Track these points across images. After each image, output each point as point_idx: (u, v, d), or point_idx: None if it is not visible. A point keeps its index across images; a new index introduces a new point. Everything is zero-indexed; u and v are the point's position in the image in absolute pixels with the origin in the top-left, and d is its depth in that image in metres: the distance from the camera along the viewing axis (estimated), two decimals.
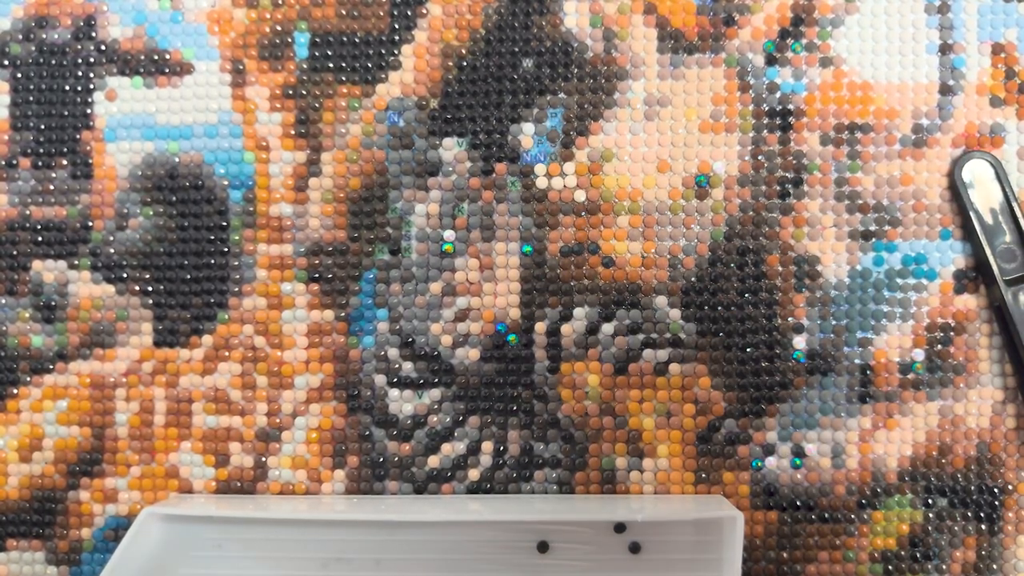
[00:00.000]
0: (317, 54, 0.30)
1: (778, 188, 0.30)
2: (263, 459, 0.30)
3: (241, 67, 0.30)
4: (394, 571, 0.28)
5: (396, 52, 0.30)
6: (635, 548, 0.28)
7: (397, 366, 0.30)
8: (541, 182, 0.30)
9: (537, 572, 0.28)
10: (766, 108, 0.30)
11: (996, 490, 0.30)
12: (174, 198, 0.30)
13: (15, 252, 0.30)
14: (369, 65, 0.30)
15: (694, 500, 0.29)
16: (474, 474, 0.30)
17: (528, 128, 0.30)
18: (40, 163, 0.30)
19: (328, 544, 0.28)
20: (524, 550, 0.28)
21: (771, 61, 0.30)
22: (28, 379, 0.30)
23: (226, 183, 0.30)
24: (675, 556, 0.28)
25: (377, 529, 0.28)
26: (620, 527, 0.28)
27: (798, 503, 0.30)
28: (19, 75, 0.30)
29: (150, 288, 0.30)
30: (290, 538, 0.28)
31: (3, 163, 0.30)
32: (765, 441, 0.30)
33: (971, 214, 0.29)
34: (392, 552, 0.28)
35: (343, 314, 0.30)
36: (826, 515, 0.30)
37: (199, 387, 0.30)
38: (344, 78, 0.30)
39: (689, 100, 0.30)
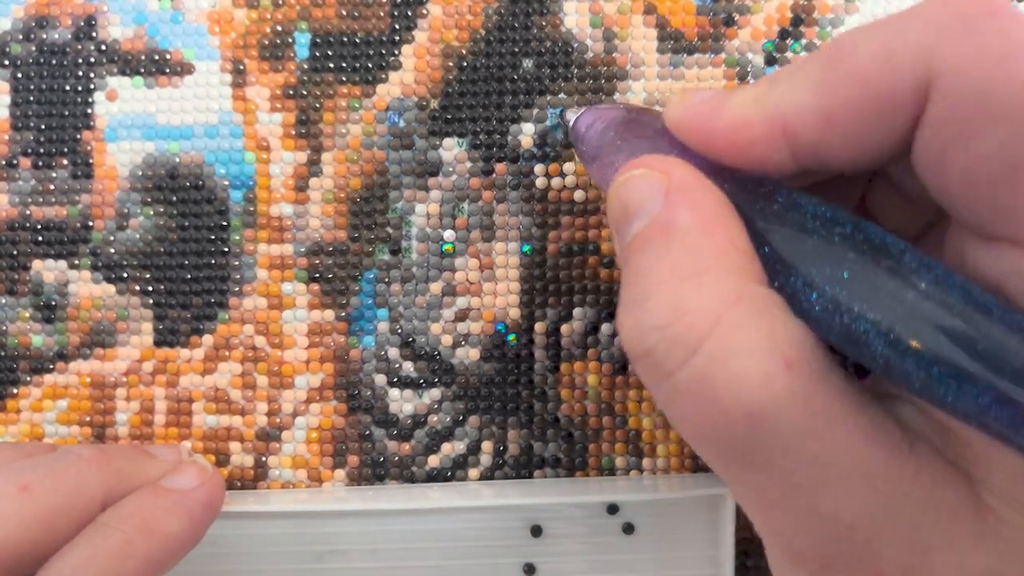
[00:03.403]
0: (317, 54, 0.30)
1: None
2: (263, 459, 0.30)
3: (241, 67, 0.30)
4: (389, 560, 0.28)
5: (396, 52, 0.30)
6: (628, 529, 0.28)
7: (397, 366, 0.30)
8: (541, 182, 0.30)
9: (532, 556, 0.28)
10: None
11: None
12: (174, 198, 0.30)
13: (15, 252, 0.30)
14: (369, 65, 0.30)
15: (686, 479, 0.29)
16: (474, 473, 0.30)
17: (528, 128, 0.30)
18: (40, 163, 0.30)
19: (323, 536, 0.28)
20: (518, 535, 0.28)
21: (771, 61, 0.30)
22: (28, 379, 0.30)
23: (227, 183, 0.30)
24: (669, 536, 0.28)
25: (372, 519, 0.28)
26: (613, 508, 0.28)
27: None
28: (19, 75, 0.30)
29: (150, 288, 0.30)
30: (285, 532, 0.28)
31: (3, 163, 0.30)
32: None
33: None
34: (387, 542, 0.28)
35: (343, 314, 0.30)
36: None
37: (199, 387, 0.30)
38: (344, 78, 0.30)
39: None
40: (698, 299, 0.17)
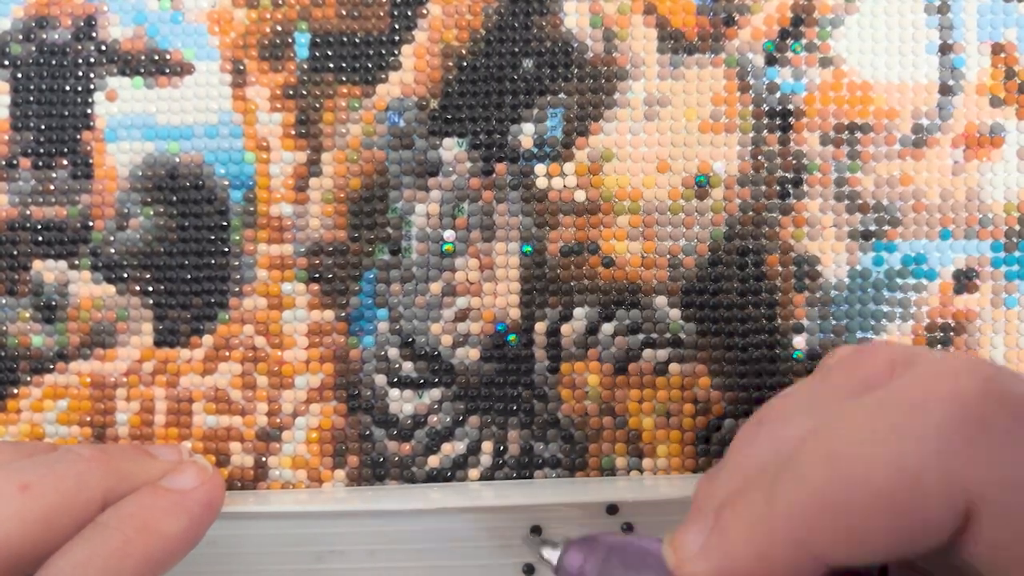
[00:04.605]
0: (317, 54, 0.30)
1: (778, 188, 0.30)
2: (263, 459, 0.30)
3: (241, 67, 0.30)
4: (389, 561, 0.28)
5: (396, 52, 0.30)
6: (628, 529, 0.28)
7: (397, 366, 0.30)
8: (541, 182, 0.30)
9: (531, 557, 0.28)
10: (766, 108, 0.30)
11: None
12: (174, 198, 0.30)
13: (15, 252, 0.30)
14: (369, 65, 0.30)
15: (686, 480, 0.29)
16: (474, 474, 0.30)
17: (528, 128, 0.30)
18: (40, 163, 0.30)
19: (323, 537, 0.28)
20: (517, 535, 0.28)
21: (771, 61, 0.30)
22: (28, 379, 0.30)
23: (226, 183, 0.30)
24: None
25: (371, 520, 0.28)
26: (613, 509, 0.28)
27: None
28: (19, 75, 0.30)
29: (150, 288, 0.30)
30: (285, 532, 0.28)
31: (3, 163, 0.30)
32: None
33: None
34: (387, 542, 0.28)
35: (343, 314, 0.30)
36: None
37: (199, 387, 0.30)
38: (344, 78, 0.30)
39: (689, 100, 0.30)
40: None
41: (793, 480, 0.17)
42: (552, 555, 0.22)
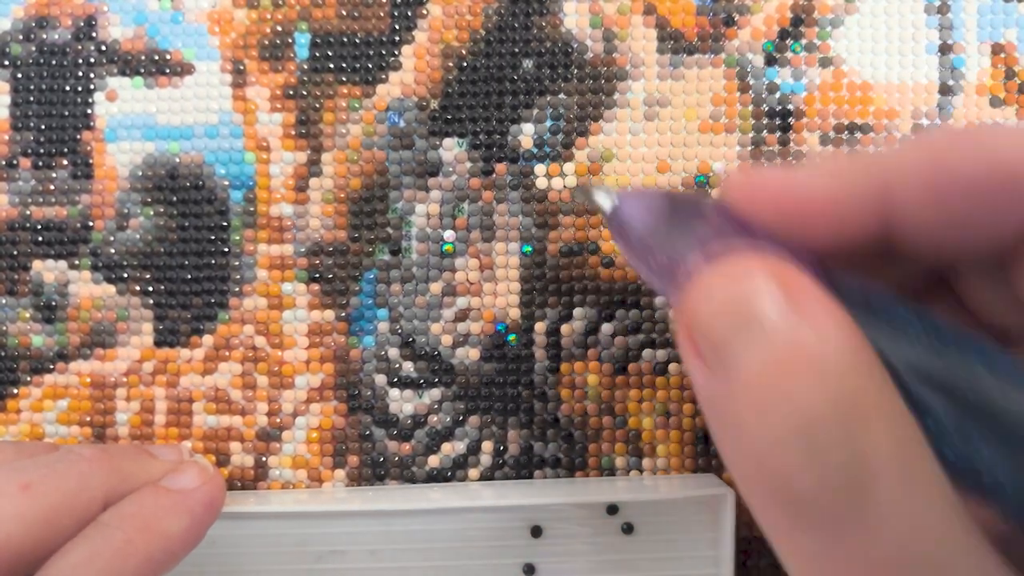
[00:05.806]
0: (318, 55, 0.30)
1: None
2: (263, 459, 0.30)
3: (241, 67, 0.30)
4: (389, 561, 0.28)
5: (396, 53, 0.30)
6: (628, 529, 0.28)
7: (397, 366, 0.30)
8: (541, 182, 0.30)
9: (532, 556, 0.28)
10: (766, 108, 0.30)
11: None
12: (175, 198, 0.30)
13: (15, 252, 0.30)
14: (369, 66, 0.30)
15: (686, 480, 0.29)
16: (474, 473, 0.30)
17: (528, 128, 0.30)
18: (40, 163, 0.30)
19: (323, 536, 0.28)
20: (517, 535, 0.28)
21: (771, 61, 0.30)
22: (28, 379, 0.30)
23: (227, 183, 0.30)
24: (668, 536, 0.28)
25: (371, 519, 0.28)
26: (613, 509, 0.28)
27: None
28: (19, 75, 0.30)
29: (150, 288, 0.30)
30: (285, 532, 0.28)
31: (3, 163, 0.30)
32: None
33: None
34: (387, 542, 0.28)
35: (343, 314, 0.30)
36: None
37: (199, 387, 0.30)
38: (344, 79, 0.30)
39: (689, 100, 0.30)
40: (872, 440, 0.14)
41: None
42: (606, 200, 0.20)
